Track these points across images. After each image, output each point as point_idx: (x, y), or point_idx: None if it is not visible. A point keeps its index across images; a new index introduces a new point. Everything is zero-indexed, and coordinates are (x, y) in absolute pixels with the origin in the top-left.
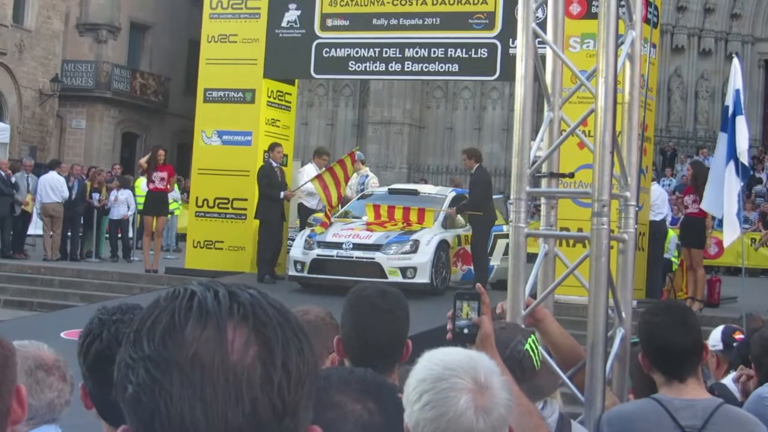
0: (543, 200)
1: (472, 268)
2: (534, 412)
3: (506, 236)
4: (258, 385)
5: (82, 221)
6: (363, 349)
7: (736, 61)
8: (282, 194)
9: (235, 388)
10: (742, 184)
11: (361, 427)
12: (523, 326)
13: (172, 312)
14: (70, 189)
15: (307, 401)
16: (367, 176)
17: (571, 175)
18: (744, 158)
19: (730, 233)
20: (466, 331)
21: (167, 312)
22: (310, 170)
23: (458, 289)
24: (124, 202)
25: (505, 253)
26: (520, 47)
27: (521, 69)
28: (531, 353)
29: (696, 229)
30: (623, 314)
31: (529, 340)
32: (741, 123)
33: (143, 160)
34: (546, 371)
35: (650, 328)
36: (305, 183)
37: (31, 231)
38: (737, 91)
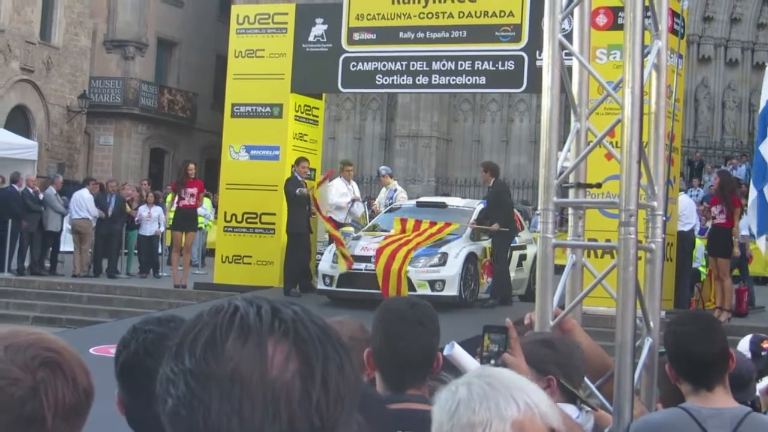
0: (570, 211)
1: None
2: (567, 418)
3: (520, 248)
4: (296, 401)
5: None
6: (393, 361)
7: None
8: (299, 191)
9: (273, 404)
10: None
11: None
12: None
13: (213, 327)
14: (107, 204)
15: (347, 418)
16: (395, 190)
17: (599, 186)
18: None
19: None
20: (492, 362)
21: (209, 327)
22: (339, 184)
23: (487, 323)
24: (156, 219)
25: (519, 264)
26: (546, 58)
27: (548, 79)
28: None
29: (722, 238)
30: (651, 324)
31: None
32: None
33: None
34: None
35: (677, 337)
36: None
37: (62, 248)
38: None
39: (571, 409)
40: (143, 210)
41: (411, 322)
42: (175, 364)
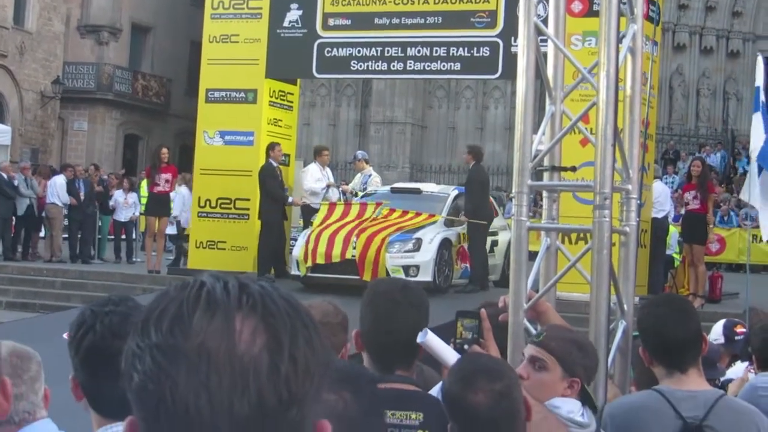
0: (545, 194)
1: (468, 265)
2: (551, 417)
3: (492, 234)
4: (265, 375)
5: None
6: (382, 342)
7: (760, 59)
8: (291, 200)
9: (241, 378)
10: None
11: (335, 417)
12: (525, 320)
13: (180, 302)
14: (77, 190)
15: (316, 393)
16: (369, 175)
17: (573, 169)
18: (754, 156)
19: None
20: (466, 347)
21: (176, 302)
22: (314, 169)
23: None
24: (132, 205)
25: (491, 250)
26: (521, 40)
27: (522, 62)
28: None
29: (697, 225)
30: (625, 307)
31: None
32: (756, 120)
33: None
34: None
35: (652, 319)
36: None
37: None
38: (757, 89)
39: (574, 406)
40: (119, 195)
41: (401, 304)
42: (141, 339)
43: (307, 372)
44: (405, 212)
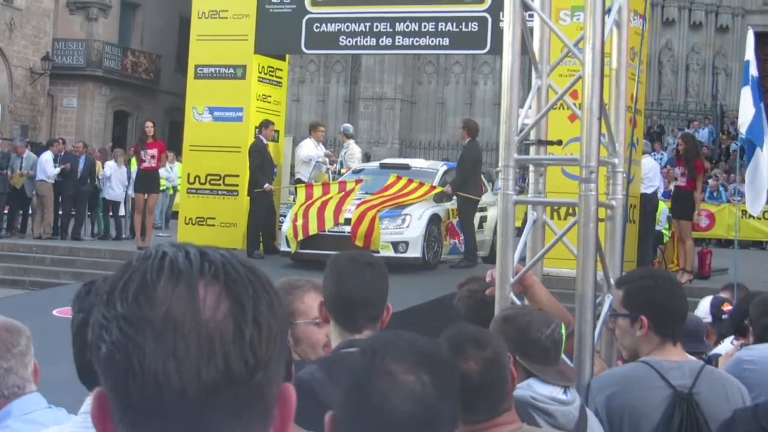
0: (531, 168)
1: (457, 241)
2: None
3: (481, 209)
4: (230, 340)
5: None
6: (345, 300)
7: (750, 32)
8: (266, 186)
9: (207, 344)
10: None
11: (412, 399)
12: (512, 294)
13: (144, 272)
14: (75, 166)
15: (279, 356)
16: (348, 147)
17: (559, 143)
18: (743, 129)
19: (754, 204)
20: None
21: (139, 272)
22: (309, 144)
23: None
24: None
25: (480, 226)
26: (507, 14)
27: (509, 36)
28: (562, 340)
29: (683, 200)
30: (612, 281)
31: (561, 328)
32: (745, 94)
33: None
34: (564, 362)
35: (658, 292)
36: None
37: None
38: (747, 62)
39: (555, 389)
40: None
41: (360, 264)
42: (107, 310)
43: (270, 335)
44: (410, 180)
